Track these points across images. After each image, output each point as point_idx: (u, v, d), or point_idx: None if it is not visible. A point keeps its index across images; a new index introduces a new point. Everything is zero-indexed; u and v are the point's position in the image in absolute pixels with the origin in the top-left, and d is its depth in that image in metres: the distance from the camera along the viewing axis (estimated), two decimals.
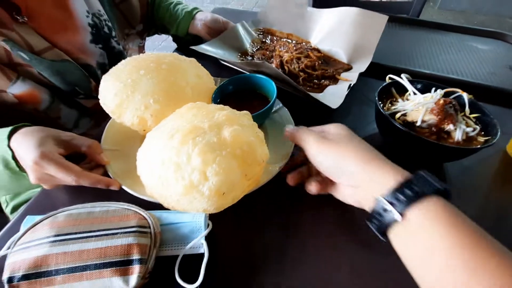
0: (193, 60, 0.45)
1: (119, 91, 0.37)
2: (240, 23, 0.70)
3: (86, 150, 0.38)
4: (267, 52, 0.67)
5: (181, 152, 0.28)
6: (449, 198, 0.25)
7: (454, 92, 0.46)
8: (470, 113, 0.45)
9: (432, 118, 0.42)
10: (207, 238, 0.30)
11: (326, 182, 0.34)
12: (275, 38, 0.74)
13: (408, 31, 0.82)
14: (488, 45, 0.76)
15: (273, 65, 0.60)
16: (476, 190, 0.44)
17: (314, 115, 0.54)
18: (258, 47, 0.71)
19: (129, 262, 0.26)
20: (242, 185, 0.31)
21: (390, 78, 0.49)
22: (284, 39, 0.74)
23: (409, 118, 0.44)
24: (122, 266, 0.25)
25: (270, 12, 0.76)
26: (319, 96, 0.53)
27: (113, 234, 0.27)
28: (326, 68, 0.64)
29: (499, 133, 0.40)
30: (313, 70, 0.62)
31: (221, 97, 0.47)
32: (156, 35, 0.78)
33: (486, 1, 2.88)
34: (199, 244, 0.29)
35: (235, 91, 0.49)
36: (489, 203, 0.42)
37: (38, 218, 0.30)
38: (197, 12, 0.69)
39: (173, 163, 0.28)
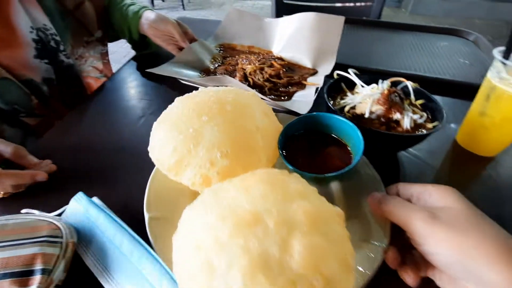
0: (254, 93, 0.38)
1: (179, 145, 0.30)
2: (197, 42, 0.70)
3: (10, 157, 0.37)
4: (230, 67, 0.67)
5: (223, 252, 0.20)
6: None
7: (400, 83, 0.46)
8: (416, 100, 0.45)
9: (379, 109, 0.42)
10: None
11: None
12: (236, 52, 0.74)
13: (366, 32, 0.85)
14: (445, 42, 0.79)
15: (237, 79, 0.60)
16: (428, 178, 0.44)
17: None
18: (220, 63, 0.71)
19: (30, 273, 0.24)
20: None
21: (337, 74, 0.49)
22: (246, 52, 0.75)
23: (358, 111, 0.44)
24: (22, 276, 0.24)
25: (229, 26, 0.78)
26: (287, 104, 0.53)
27: (19, 244, 0.25)
28: (292, 75, 0.65)
29: (444, 117, 0.41)
30: (278, 79, 0.62)
31: (286, 142, 0.37)
32: (121, 50, 0.78)
33: (455, 5, 3.03)
34: None
35: (304, 133, 0.39)
36: None
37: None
38: (144, 11, 0.64)
39: (208, 263, 0.20)
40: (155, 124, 0.34)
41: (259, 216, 0.21)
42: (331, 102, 0.45)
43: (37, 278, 0.24)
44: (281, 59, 0.69)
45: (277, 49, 0.72)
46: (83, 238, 0.30)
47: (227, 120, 0.31)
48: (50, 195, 0.38)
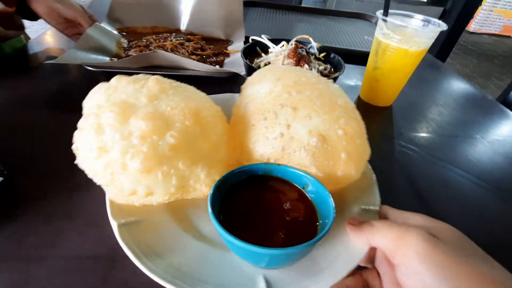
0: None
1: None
2: (94, 26, 0.61)
3: None
4: (143, 48, 0.62)
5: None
6: None
7: (307, 45, 0.54)
8: (319, 54, 0.53)
9: (290, 62, 0.48)
10: None
11: None
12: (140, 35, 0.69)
13: (289, 15, 0.94)
14: (352, 23, 0.92)
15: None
16: None
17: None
18: (128, 46, 0.64)
19: None
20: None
21: (252, 39, 0.54)
22: (150, 33, 0.70)
23: None
24: None
25: (122, 8, 0.71)
26: (226, 67, 0.54)
27: None
28: (212, 46, 0.67)
29: (344, 66, 0.48)
30: (202, 51, 0.64)
31: (224, 196, 0.26)
32: None
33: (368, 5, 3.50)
34: None
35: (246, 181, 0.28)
36: None
37: None
38: None
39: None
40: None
41: None
42: (247, 61, 0.49)
43: None
44: (192, 34, 0.70)
45: (183, 26, 0.72)
46: None
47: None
48: None
